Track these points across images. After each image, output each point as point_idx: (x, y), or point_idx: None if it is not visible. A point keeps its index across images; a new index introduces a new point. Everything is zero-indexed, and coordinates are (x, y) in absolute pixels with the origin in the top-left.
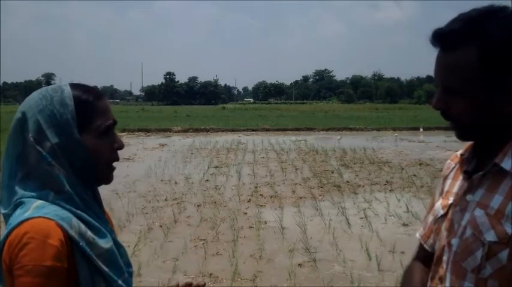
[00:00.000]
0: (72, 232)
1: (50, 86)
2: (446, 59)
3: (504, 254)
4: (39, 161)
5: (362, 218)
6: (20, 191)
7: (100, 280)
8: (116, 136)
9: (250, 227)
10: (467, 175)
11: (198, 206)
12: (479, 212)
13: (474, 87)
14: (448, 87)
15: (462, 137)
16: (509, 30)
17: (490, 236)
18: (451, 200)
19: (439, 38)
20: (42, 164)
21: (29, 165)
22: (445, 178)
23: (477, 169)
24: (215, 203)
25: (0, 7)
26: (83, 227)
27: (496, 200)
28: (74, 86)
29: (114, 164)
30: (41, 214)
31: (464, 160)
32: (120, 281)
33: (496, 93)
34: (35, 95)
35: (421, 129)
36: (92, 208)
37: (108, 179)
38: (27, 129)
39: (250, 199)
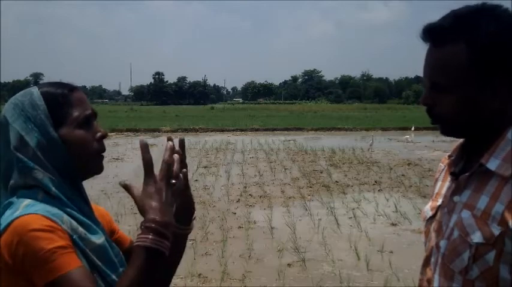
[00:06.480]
0: (64, 227)
1: (20, 93)
2: (435, 55)
3: (491, 256)
4: (23, 168)
5: (351, 218)
6: (7, 194)
7: (96, 273)
8: (97, 126)
9: (239, 227)
10: (454, 176)
11: None
12: (466, 214)
13: (462, 84)
14: (436, 83)
15: (446, 132)
16: (499, 29)
17: (477, 238)
18: (439, 201)
19: (429, 33)
20: (26, 170)
21: (14, 173)
22: (436, 180)
23: (464, 170)
24: (204, 203)
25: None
26: (74, 223)
27: (483, 201)
28: (44, 85)
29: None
30: (31, 211)
31: (452, 161)
32: (114, 276)
33: (484, 90)
34: (8, 105)
35: (413, 129)
36: (80, 208)
37: (98, 169)
38: (9, 139)
39: (239, 199)
